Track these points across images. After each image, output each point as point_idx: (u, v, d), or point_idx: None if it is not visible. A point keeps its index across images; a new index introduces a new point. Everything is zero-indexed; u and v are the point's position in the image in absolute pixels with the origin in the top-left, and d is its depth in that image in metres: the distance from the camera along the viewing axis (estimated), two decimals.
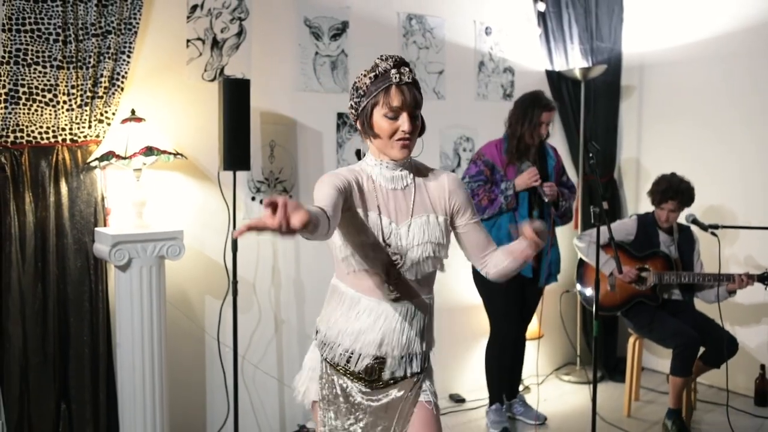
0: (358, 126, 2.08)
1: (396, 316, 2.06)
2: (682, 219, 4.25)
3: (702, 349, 4.03)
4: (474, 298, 4.33)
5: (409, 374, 2.12)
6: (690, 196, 4.13)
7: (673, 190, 4.10)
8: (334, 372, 2.14)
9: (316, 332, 2.23)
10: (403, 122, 1.99)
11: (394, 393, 2.13)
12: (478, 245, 2.20)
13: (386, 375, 2.10)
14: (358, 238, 2.01)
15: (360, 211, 2.01)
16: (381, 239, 2.01)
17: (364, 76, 2.03)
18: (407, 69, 2.01)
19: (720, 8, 4.78)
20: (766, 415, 4.32)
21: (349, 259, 2.03)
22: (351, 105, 2.08)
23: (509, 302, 3.96)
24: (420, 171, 2.15)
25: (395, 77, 1.97)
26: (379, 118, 1.99)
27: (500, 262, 2.17)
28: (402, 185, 2.08)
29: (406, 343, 2.07)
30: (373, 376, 2.10)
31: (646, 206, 4.51)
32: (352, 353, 2.08)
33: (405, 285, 2.06)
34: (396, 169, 2.08)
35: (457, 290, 4.61)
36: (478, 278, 4.03)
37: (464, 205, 2.15)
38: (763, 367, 4.48)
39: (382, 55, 2.03)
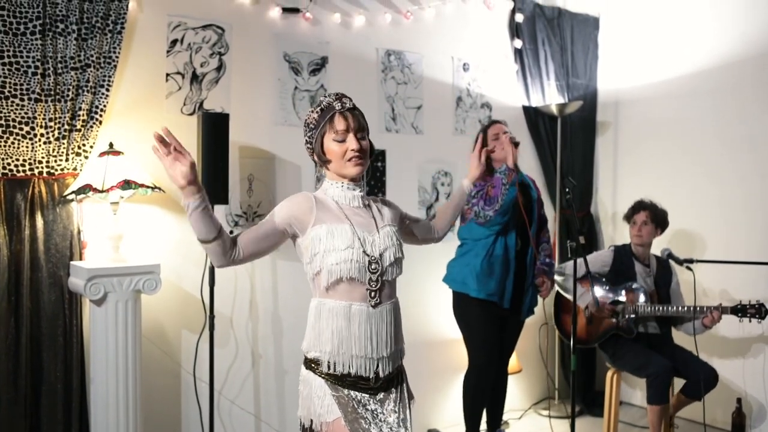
0: (315, 158, 2.34)
1: (382, 318, 2.26)
2: (657, 252, 4.29)
3: (683, 382, 4.05)
4: (452, 331, 4.33)
5: (393, 370, 2.33)
6: (663, 215, 4.21)
7: (643, 204, 4.25)
8: (341, 387, 2.26)
9: (307, 359, 2.32)
10: (350, 142, 2.25)
11: (389, 392, 2.33)
12: (422, 228, 2.71)
13: (381, 375, 2.27)
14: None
15: (326, 225, 2.23)
16: (360, 249, 2.23)
17: (312, 112, 2.31)
18: (348, 99, 2.31)
19: (693, 46, 4.89)
20: None
21: (320, 275, 2.23)
22: (306, 140, 2.34)
23: (488, 333, 3.94)
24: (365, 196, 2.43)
25: (337, 106, 2.27)
26: (330, 144, 2.27)
27: (443, 216, 2.82)
28: (361, 204, 2.33)
29: (392, 341, 2.29)
30: (376, 381, 2.27)
31: (622, 240, 4.55)
32: (352, 359, 2.23)
33: (383, 289, 2.27)
34: (355, 190, 2.33)
35: (435, 324, 4.61)
36: (458, 310, 4.02)
37: (402, 212, 2.56)
38: (739, 400, 4.50)
39: (324, 93, 2.26)
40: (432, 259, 4.48)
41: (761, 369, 4.53)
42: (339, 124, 2.24)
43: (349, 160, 2.26)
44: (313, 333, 2.28)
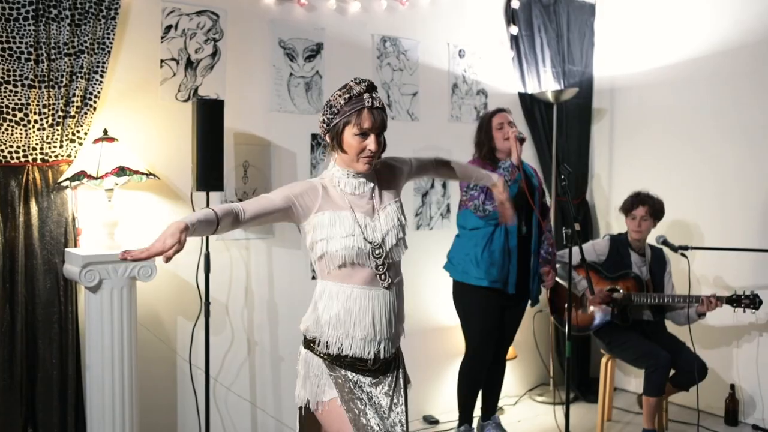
0: (328, 139, 2.32)
1: (386, 299, 2.29)
2: (653, 240, 4.30)
3: (672, 371, 4.07)
4: (448, 318, 4.34)
5: (392, 353, 2.35)
6: (661, 207, 4.21)
7: (642, 198, 4.22)
8: (338, 367, 2.29)
9: (306, 339, 2.36)
10: (371, 142, 2.24)
11: (385, 376, 2.36)
12: (445, 168, 2.79)
13: (381, 357, 2.30)
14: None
15: (329, 212, 2.25)
16: (361, 236, 2.24)
17: (339, 96, 2.26)
18: (377, 94, 2.28)
19: (689, 33, 4.88)
20: None
21: (323, 260, 2.26)
22: (323, 120, 2.30)
23: (487, 322, 3.92)
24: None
25: (368, 101, 2.23)
26: (350, 137, 2.24)
27: (465, 175, 2.93)
28: (364, 190, 2.33)
29: (396, 321, 2.33)
30: (374, 362, 2.30)
31: (618, 227, 4.56)
32: (352, 341, 2.26)
33: (390, 270, 2.30)
34: (359, 177, 2.33)
35: (432, 311, 4.62)
36: (458, 298, 4.00)
37: (406, 162, 2.55)
38: (732, 386, 4.53)
39: (355, 78, 2.26)
40: (429, 245, 4.49)
41: (754, 356, 4.55)
42: (365, 121, 2.22)
43: (363, 157, 2.26)
44: (314, 314, 2.32)
